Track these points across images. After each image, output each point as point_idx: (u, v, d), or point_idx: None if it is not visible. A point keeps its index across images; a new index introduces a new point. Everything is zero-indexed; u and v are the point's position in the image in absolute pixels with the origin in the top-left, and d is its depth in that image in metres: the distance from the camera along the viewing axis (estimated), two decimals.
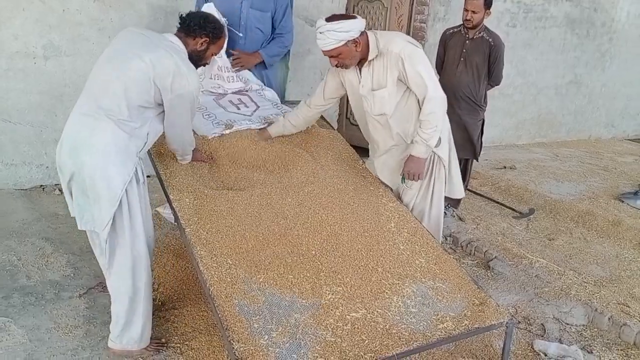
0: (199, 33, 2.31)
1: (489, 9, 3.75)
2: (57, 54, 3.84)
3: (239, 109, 3.11)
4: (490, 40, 3.80)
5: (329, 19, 2.53)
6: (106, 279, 2.28)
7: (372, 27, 5.28)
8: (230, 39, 3.08)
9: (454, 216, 4.14)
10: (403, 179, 2.77)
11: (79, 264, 3.04)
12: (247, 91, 3.25)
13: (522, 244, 3.73)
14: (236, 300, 2.02)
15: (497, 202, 4.51)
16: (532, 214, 4.28)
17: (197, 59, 2.37)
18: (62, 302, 2.70)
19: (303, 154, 2.95)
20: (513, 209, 4.37)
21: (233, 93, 3.21)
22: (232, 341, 1.85)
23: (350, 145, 3.16)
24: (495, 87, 4.09)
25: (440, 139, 2.69)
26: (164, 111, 2.26)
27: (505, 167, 5.59)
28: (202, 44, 2.33)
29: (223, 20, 2.89)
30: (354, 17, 2.55)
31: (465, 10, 3.73)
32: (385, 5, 5.32)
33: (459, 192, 2.97)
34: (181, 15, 2.37)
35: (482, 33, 3.81)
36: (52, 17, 3.77)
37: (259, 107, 3.16)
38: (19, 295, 2.71)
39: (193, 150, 2.61)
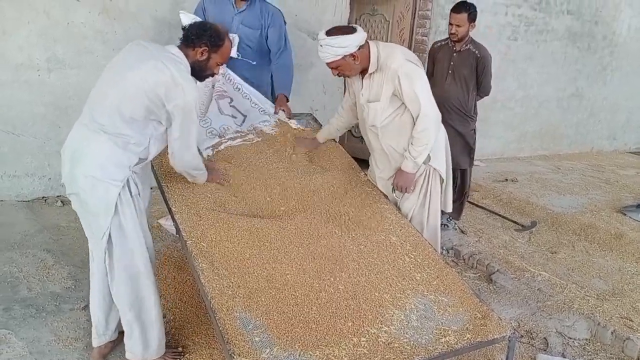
0: (197, 42, 2.26)
1: (474, 22, 3.82)
2: (62, 66, 3.87)
3: (233, 116, 3.15)
4: (476, 52, 3.86)
5: (329, 33, 2.56)
6: (110, 290, 2.27)
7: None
8: None
9: (456, 229, 4.13)
10: (394, 189, 2.84)
11: (80, 276, 3.03)
12: (232, 100, 3.23)
13: (524, 257, 3.72)
14: (237, 314, 2.01)
15: (499, 215, 4.50)
16: (534, 227, 4.27)
17: (201, 70, 2.33)
18: (63, 314, 2.69)
19: (305, 166, 2.96)
20: (515, 222, 4.36)
21: (221, 99, 3.21)
22: (233, 355, 1.84)
23: (352, 157, 3.17)
24: (485, 96, 4.13)
25: (429, 155, 2.74)
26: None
27: (507, 180, 5.59)
28: (202, 53, 2.28)
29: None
30: (354, 31, 2.57)
31: (450, 24, 3.81)
32: (387, 18, 5.36)
33: (449, 206, 3.03)
34: (183, 27, 2.35)
35: (468, 45, 3.87)
36: (56, 30, 3.80)
37: (245, 117, 3.19)
38: (19, 307, 2.70)
39: (208, 170, 2.56)
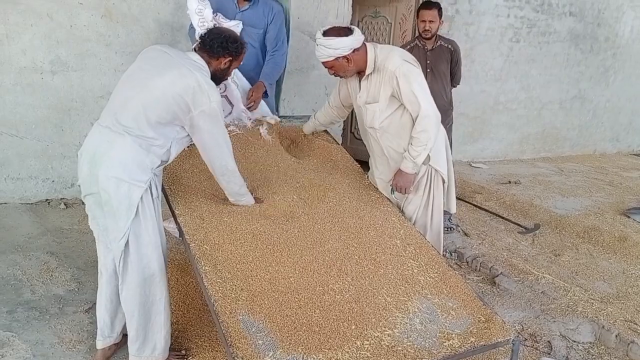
0: (223, 53, 2.35)
1: (442, 18, 3.94)
2: (65, 69, 3.89)
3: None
4: (449, 46, 3.98)
5: (325, 32, 2.57)
6: (120, 293, 2.26)
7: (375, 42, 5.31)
8: None
9: (459, 232, 4.12)
10: (393, 190, 2.82)
11: (83, 278, 3.04)
12: (225, 88, 3.19)
13: (527, 260, 3.71)
14: (240, 317, 2.00)
15: (503, 218, 4.49)
16: (538, 230, 4.26)
17: (221, 76, 2.43)
18: (66, 317, 2.70)
19: (308, 169, 2.96)
20: (518, 225, 4.35)
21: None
22: (236, 358, 1.83)
23: (355, 159, 3.17)
24: (457, 85, 4.23)
25: (429, 156, 2.72)
26: (188, 135, 2.28)
27: (510, 182, 5.58)
28: (225, 63, 2.37)
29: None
30: (350, 33, 2.56)
31: (422, 21, 3.89)
32: (389, 20, 5.36)
33: (452, 206, 3.04)
34: (201, 34, 2.41)
35: (439, 42, 3.98)
36: (59, 32, 3.82)
37: (233, 106, 3.19)
38: (23, 309, 2.71)
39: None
